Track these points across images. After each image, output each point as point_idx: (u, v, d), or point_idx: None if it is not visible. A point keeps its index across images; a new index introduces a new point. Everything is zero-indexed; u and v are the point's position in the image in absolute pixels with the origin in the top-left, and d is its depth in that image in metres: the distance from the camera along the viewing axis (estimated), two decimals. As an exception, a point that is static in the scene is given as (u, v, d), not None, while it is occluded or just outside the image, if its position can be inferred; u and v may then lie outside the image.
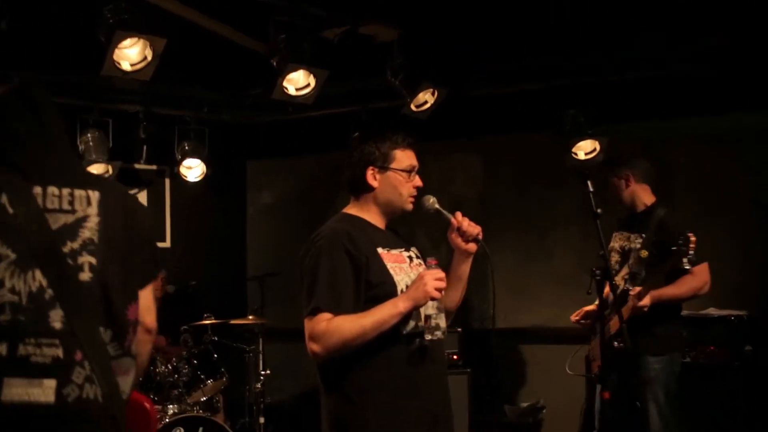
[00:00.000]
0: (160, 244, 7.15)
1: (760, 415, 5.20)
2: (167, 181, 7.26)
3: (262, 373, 5.68)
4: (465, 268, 3.00)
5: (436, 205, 2.94)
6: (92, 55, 4.67)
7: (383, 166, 2.92)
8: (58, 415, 2.01)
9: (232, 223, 7.45)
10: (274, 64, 4.93)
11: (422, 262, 2.97)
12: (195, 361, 5.20)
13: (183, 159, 6.59)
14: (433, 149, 6.91)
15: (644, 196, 4.67)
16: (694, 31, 5.33)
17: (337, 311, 2.71)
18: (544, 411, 6.10)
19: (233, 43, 5.41)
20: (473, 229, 2.88)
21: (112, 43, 4.17)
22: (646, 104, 5.99)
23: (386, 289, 2.77)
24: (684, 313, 5.04)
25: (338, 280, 2.74)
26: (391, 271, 2.81)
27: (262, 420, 5.63)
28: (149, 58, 4.34)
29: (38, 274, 2.05)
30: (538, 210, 6.49)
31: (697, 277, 4.40)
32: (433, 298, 2.69)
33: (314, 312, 2.71)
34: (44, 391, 2.00)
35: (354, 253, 2.76)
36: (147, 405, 2.45)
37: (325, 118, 6.57)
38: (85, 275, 2.10)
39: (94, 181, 2.25)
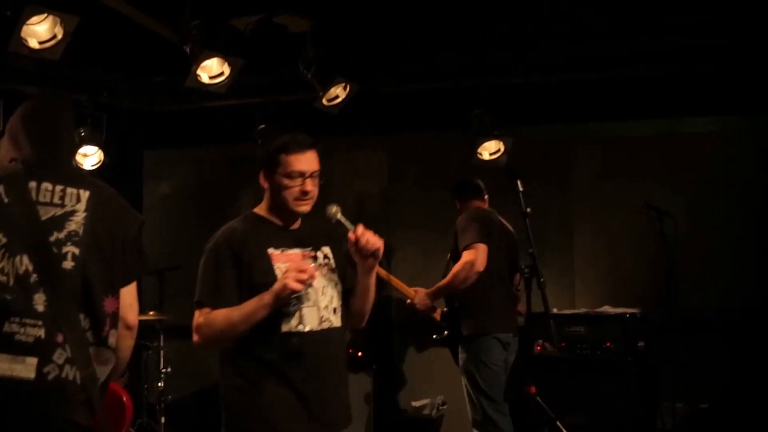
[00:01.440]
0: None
1: (649, 407, 5.48)
2: (60, 169, 6.94)
3: (163, 370, 5.51)
4: (367, 281, 3.00)
5: (339, 216, 2.96)
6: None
7: (270, 169, 2.96)
8: (36, 392, 2.19)
9: (130, 213, 7.19)
10: (188, 50, 4.78)
11: (330, 262, 3.00)
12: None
13: (79, 145, 6.29)
14: (340, 145, 6.92)
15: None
16: (600, 36, 5.53)
17: (216, 306, 2.83)
18: (445, 406, 6.18)
19: (135, 26, 5.21)
20: (371, 245, 2.86)
21: (21, 19, 3.94)
22: (550, 107, 6.17)
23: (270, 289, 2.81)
24: (581, 311, 5.32)
25: (220, 277, 2.86)
26: (278, 272, 2.85)
27: (163, 419, 5.46)
28: (59, 36, 4.12)
29: (26, 258, 2.27)
30: (441, 208, 6.57)
31: (460, 261, 4.84)
32: (295, 291, 2.74)
33: (197, 306, 2.87)
34: (26, 367, 2.19)
35: (238, 252, 2.88)
36: (124, 398, 2.52)
37: (229, 108, 6.45)
38: (68, 264, 2.31)
39: (88, 183, 2.48)
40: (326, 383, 2.91)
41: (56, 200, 2.36)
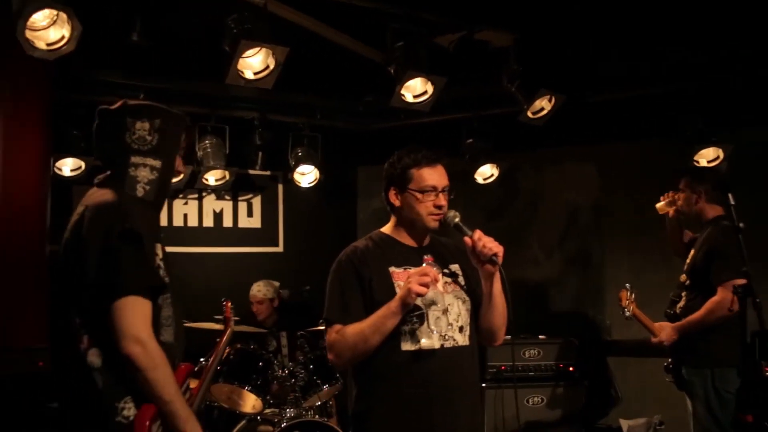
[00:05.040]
0: (272, 249, 7.28)
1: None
2: (280, 187, 7.38)
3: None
4: (490, 287, 2.92)
5: (456, 220, 2.90)
6: (211, 65, 4.80)
7: (401, 186, 2.96)
8: None
9: (344, 228, 7.49)
10: (392, 71, 4.91)
11: (458, 279, 2.97)
12: (311, 366, 5.23)
13: (296, 165, 6.67)
14: (548, 157, 6.83)
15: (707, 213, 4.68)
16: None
17: (345, 321, 2.88)
18: (662, 426, 5.89)
19: (345, 51, 5.46)
20: (488, 250, 2.79)
21: (237, 53, 4.23)
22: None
23: None
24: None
25: (345, 294, 2.91)
26: (398, 289, 2.85)
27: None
28: (271, 66, 4.40)
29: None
30: (655, 219, 6.29)
31: (716, 298, 4.36)
32: (417, 293, 2.72)
33: (327, 324, 2.95)
34: None
35: (360, 271, 2.92)
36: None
37: (436, 124, 6.55)
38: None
39: (89, 200, 2.62)
40: (452, 403, 2.86)
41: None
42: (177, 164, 2.78)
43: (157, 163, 2.67)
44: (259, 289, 6.36)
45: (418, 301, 2.83)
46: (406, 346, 2.86)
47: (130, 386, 2.44)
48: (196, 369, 3.10)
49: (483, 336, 3.02)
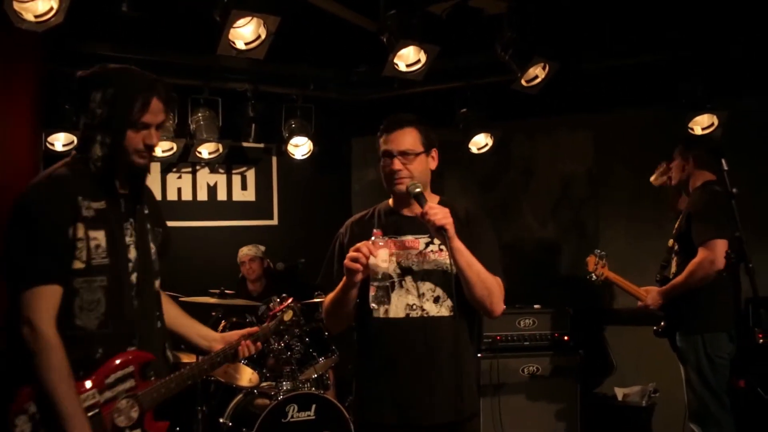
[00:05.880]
0: (267, 222, 7.27)
1: None
2: (274, 159, 7.36)
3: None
4: (452, 259, 2.84)
5: (417, 190, 2.91)
6: (202, 36, 4.74)
7: (378, 155, 3.05)
8: None
9: (339, 200, 7.48)
10: (384, 40, 4.87)
11: (445, 249, 2.93)
12: (307, 339, 5.24)
13: (290, 137, 6.63)
14: (543, 125, 6.79)
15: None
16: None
17: (327, 290, 3.04)
18: (657, 394, 5.93)
19: (337, 21, 5.39)
20: (435, 221, 2.78)
21: (228, 23, 4.18)
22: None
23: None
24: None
25: (331, 263, 3.08)
26: None
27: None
28: (263, 36, 4.35)
29: None
30: (651, 188, 6.27)
31: (696, 259, 4.40)
32: (351, 269, 2.77)
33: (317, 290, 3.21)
34: None
35: (343, 241, 3.06)
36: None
37: (430, 94, 6.50)
38: None
39: None
40: (425, 377, 2.86)
41: None
42: (133, 140, 2.52)
43: (107, 139, 2.50)
44: (248, 250, 6.54)
45: (390, 271, 2.87)
46: (376, 314, 2.93)
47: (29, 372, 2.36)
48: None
49: (477, 308, 2.97)
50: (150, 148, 2.58)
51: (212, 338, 2.98)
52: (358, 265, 2.76)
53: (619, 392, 6.14)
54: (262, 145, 7.19)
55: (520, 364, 5.84)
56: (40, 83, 5.03)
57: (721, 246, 4.29)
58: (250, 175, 7.26)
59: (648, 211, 6.19)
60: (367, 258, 2.77)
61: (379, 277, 2.86)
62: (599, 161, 6.63)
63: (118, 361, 2.49)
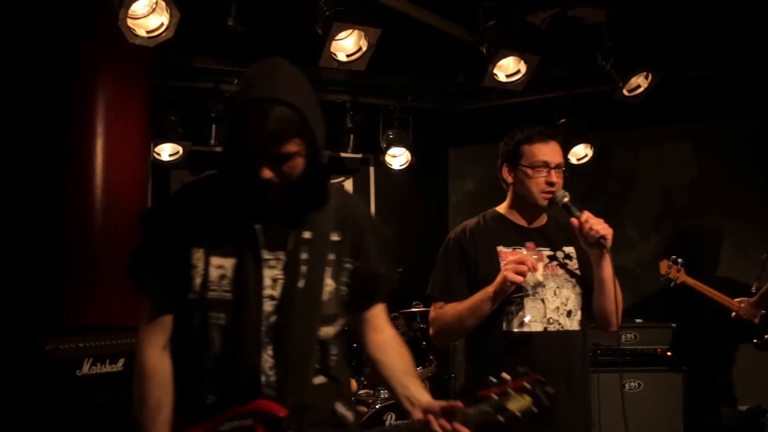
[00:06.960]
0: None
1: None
2: (372, 169, 7.42)
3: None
4: (599, 271, 2.85)
5: (566, 200, 2.85)
6: (304, 48, 4.83)
7: (514, 162, 2.94)
8: None
9: (436, 210, 7.49)
10: (484, 51, 4.87)
11: (571, 263, 2.92)
12: (405, 348, 5.25)
13: (388, 147, 6.69)
14: (644, 136, 6.65)
15: None
16: None
17: (447, 299, 2.91)
18: (767, 415, 5.70)
19: (434, 31, 5.42)
20: (594, 232, 2.73)
21: (330, 35, 4.27)
22: None
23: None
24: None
25: (449, 271, 2.94)
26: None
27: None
28: (364, 48, 4.42)
29: None
30: (755, 198, 6.08)
31: None
32: (512, 282, 2.69)
33: (429, 300, 3.00)
34: None
35: (467, 249, 2.92)
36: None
37: (528, 104, 6.46)
38: None
39: None
40: (561, 389, 2.73)
41: None
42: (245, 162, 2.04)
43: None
44: None
45: (524, 284, 2.80)
46: (509, 327, 2.84)
47: None
48: None
49: (597, 322, 2.95)
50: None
51: (417, 405, 2.26)
52: (521, 278, 2.71)
53: (726, 412, 5.93)
54: (360, 155, 7.26)
55: (622, 379, 5.71)
56: (149, 96, 5.22)
57: None
58: (348, 184, 7.35)
59: (751, 224, 5.98)
60: (535, 270, 2.75)
61: (529, 290, 2.83)
62: (702, 172, 6.44)
63: (236, 411, 2.11)
